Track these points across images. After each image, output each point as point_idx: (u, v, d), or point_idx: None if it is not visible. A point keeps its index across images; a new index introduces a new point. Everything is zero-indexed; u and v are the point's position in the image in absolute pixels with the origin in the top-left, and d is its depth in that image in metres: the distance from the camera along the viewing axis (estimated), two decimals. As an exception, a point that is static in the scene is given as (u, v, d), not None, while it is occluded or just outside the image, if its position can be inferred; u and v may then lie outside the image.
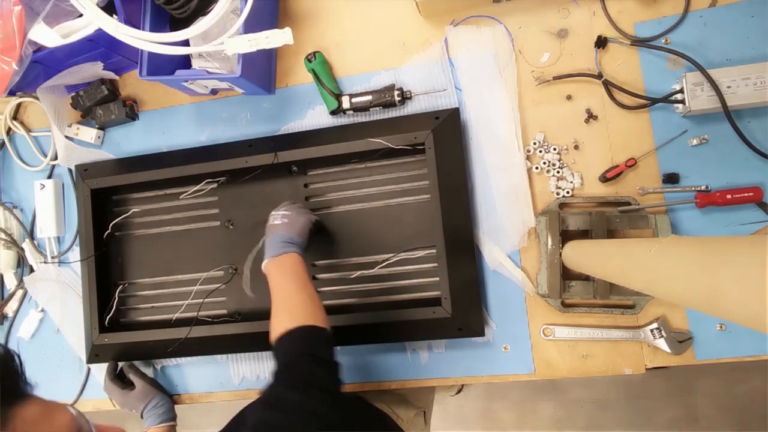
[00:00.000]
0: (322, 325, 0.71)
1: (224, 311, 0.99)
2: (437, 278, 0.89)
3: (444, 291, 0.86)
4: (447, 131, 0.89)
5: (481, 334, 0.87)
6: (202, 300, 0.99)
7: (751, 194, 0.81)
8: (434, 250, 0.89)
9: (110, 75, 1.03)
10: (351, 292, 0.95)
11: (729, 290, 0.41)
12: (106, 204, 1.05)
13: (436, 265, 0.89)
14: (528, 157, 0.90)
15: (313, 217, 0.89)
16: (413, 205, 0.93)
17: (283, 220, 0.84)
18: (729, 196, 0.81)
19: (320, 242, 0.95)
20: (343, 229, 0.95)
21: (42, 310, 1.09)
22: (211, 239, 1.01)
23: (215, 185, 1.01)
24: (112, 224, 1.04)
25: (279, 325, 0.71)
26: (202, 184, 1.00)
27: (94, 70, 1.00)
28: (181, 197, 1.02)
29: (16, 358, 0.54)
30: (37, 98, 1.06)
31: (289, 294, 0.75)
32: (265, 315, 0.95)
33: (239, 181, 0.99)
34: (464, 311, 0.86)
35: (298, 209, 0.87)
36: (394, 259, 0.93)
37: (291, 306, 0.74)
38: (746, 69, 0.79)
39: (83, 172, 1.03)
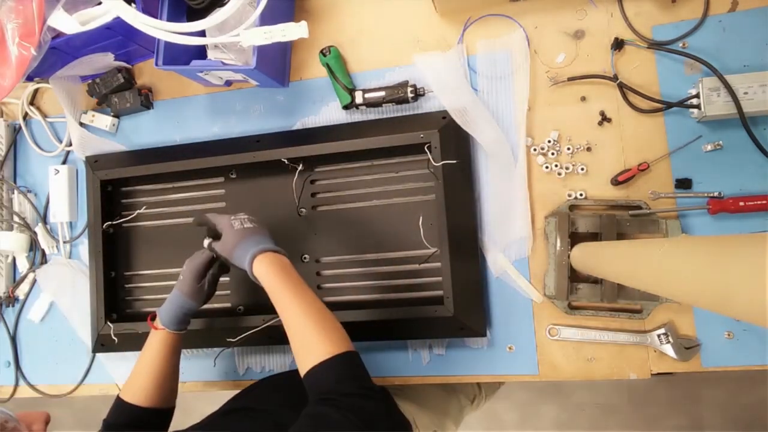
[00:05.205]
0: (350, 347, 0.67)
1: (228, 305, 1.00)
2: (440, 278, 0.88)
3: (446, 290, 0.86)
4: (454, 131, 0.89)
5: (483, 334, 0.87)
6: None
7: (764, 202, 0.80)
8: (438, 250, 0.89)
9: (121, 65, 1.04)
10: (354, 288, 0.96)
11: (740, 287, 0.40)
12: (116, 195, 1.06)
13: (439, 264, 0.89)
14: (542, 156, 0.90)
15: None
16: (419, 204, 0.93)
17: (254, 225, 0.78)
18: (742, 204, 0.80)
19: (325, 239, 0.96)
20: (348, 226, 0.96)
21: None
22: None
23: (223, 179, 1.01)
24: (120, 215, 1.05)
25: (312, 353, 0.65)
26: (210, 178, 1.01)
27: (105, 61, 1.01)
28: (189, 191, 1.03)
29: None
30: (54, 84, 1.07)
31: (304, 312, 0.68)
32: (266, 309, 0.96)
33: (246, 176, 1.00)
34: (466, 311, 0.86)
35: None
36: (398, 257, 0.93)
37: (313, 329, 0.67)
38: (764, 75, 0.78)
39: (93, 163, 1.04)
